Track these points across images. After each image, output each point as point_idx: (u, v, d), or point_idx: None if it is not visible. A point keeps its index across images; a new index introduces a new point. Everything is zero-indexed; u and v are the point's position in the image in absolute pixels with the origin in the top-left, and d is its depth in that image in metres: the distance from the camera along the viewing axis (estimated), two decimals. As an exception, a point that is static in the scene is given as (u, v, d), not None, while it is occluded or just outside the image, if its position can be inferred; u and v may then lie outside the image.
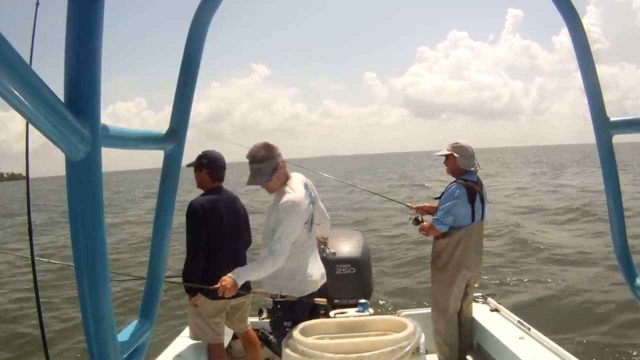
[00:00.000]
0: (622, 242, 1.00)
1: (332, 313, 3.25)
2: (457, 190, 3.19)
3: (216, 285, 2.47)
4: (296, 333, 2.17)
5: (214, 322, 3.04)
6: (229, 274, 2.46)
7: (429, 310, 3.45)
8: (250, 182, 2.65)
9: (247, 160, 2.66)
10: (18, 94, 0.46)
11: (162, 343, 3.27)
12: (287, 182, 2.68)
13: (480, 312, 3.50)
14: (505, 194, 18.78)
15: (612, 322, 5.33)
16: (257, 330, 3.36)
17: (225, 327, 3.21)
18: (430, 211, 3.45)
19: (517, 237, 10.16)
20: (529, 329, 3.04)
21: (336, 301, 3.53)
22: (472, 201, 3.20)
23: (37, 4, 1.85)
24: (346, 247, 3.69)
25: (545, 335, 2.96)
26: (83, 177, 0.59)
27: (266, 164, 2.59)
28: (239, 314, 3.23)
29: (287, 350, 2.10)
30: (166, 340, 3.36)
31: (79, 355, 5.34)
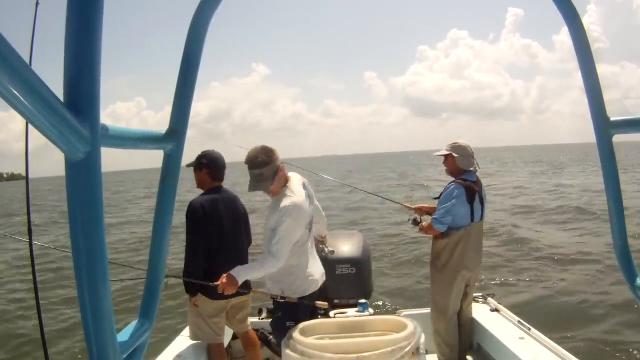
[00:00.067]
0: (622, 242, 1.00)
1: (332, 313, 3.25)
2: (456, 190, 3.19)
3: (216, 283, 2.48)
4: (296, 333, 2.17)
5: (214, 322, 3.04)
6: (230, 272, 2.46)
7: (429, 310, 3.44)
8: (252, 188, 2.60)
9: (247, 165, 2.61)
10: (18, 94, 0.46)
11: (162, 343, 3.27)
12: (287, 185, 2.67)
13: (481, 312, 3.50)
14: (504, 194, 18.79)
15: (613, 322, 5.33)
16: (257, 331, 3.36)
17: (226, 327, 3.21)
18: (429, 212, 3.45)
19: (517, 237, 10.16)
20: (530, 329, 3.04)
21: (336, 301, 3.53)
22: (471, 201, 3.20)
23: (37, 4, 1.85)
24: (346, 247, 3.69)
25: (546, 335, 2.96)
26: (83, 177, 0.59)
27: (267, 169, 2.56)
28: (241, 314, 3.23)
29: (287, 351, 2.10)
30: (166, 340, 3.36)
31: (80, 357, 5.34)
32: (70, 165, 0.58)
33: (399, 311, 3.72)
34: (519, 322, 3.19)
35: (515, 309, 3.85)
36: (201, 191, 3.14)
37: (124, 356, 0.78)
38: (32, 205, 1.94)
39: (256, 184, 2.59)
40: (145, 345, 0.87)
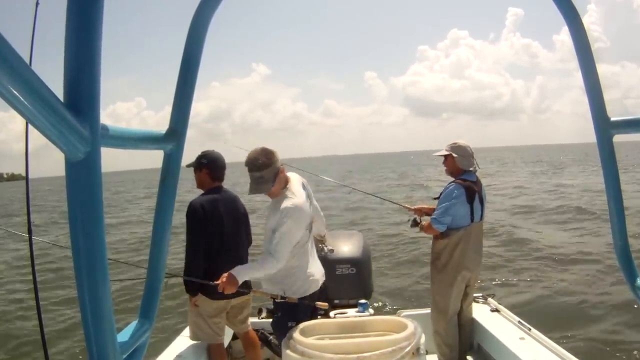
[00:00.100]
0: (622, 242, 1.00)
1: (332, 313, 3.25)
2: (456, 190, 3.19)
3: (216, 282, 2.48)
4: (296, 333, 2.17)
5: (214, 322, 3.04)
6: (230, 271, 2.47)
7: (429, 310, 3.44)
8: (253, 191, 2.58)
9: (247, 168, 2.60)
10: (17, 94, 0.46)
11: (162, 343, 3.27)
12: (287, 186, 2.67)
13: (481, 312, 3.50)
14: (504, 193, 18.79)
15: (613, 322, 5.33)
16: (257, 331, 3.36)
17: (226, 327, 3.21)
18: (429, 212, 3.45)
19: (517, 237, 10.16)
20: (530, 329, 3.04)
21: (336, 301, 3.52)
22: (470, 201, 3.20)
23: (37, 3, 1.84)
24: (346, 247, 3.69)
25: (546, 335, 2.96)
26: (83, 177, 0.59)
27: (267, 171, 2.55)
28: (242, 314, 3.23)
29: (287, 351, 2.10)
30: (166, 340, 3.36)
31: (80, 357, 5.34)
32: (70, 165, 0.58)
33: (399, 311, 3.71)
34: (519, 322, 3.19)
35: (515, 309, 3.85)
36: (201, 191, 3.14)
37: (124, 356, 0.78)
38: (32, 205, 1.94)
39: (257, 186, 2.57)
40: (145, 345, 0.87)
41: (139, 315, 0.90)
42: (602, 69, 0.94)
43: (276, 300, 2.63)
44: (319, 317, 2.74)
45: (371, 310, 3.36)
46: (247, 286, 2.73)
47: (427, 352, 2.40)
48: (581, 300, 6.09)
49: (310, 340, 2.12)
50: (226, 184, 3.24)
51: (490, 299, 3.67)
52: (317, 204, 2.98)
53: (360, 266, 3.62)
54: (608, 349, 4.71)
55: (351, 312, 3.32)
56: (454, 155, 3.29)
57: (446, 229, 3.20)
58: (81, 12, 0.57)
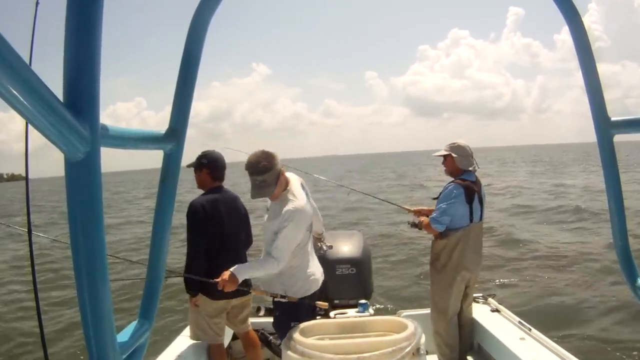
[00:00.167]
0: (623, 242, 1.00)
1: (332, 313, 3.25)
2: (455, 190, 3.19)
3: (216, 279, 2.48)
4: (296, 334, 2.17)
5: (215, 322, 3.04)
6: (230, 269, 2.47)
7: (429, 310, 3.44)
8: (256, 195, 2.56)
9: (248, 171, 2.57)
10: (17, 94, 0.46)
11: (162, 343, 3.27)
12: (288, 187, 2.67)
13: (481, 312, 3.50)
14: (504, 193, 18.79)
15: (613, 322, 5.33)
16: (257, 331, 3.36)
17: (226, 327, 3.21)
18: (428, 214, 3.44)
19: (517, 237, 10.16)
20: (530, 330, 3.04)
21: (336, 301, 3.52)
22: (470, 201, 3.20)
23: (37, 3, 1.84)
24: (346, 247, 3.69)
25: (546, 335, 2.96)
26: (82, 177, 0.58)
27: (269, 174, 2.53)
28: (242, 314, 3.22)
29: (287, 351, 2.10)
30: (166, 340, 3.36)
31: (81, 358, 5.34)
32: (69, 165, 0.57)
33: (399, 311, 3.71)
34: (519, 322, 3.19)
35: (515, 309, 3.84)
36: (201, 191, 3.14)
37: (124, 356, 0.78)
38: (32, 205, 1.93)
39: (259, 190, 2.55)
40: (145, 345, 0.87)
41: (138, 315, 0.90)
42: (603, 68, 0.94)
43: (276, 300, 2.63)
44: (318, 317, 2.74)
45: (371, 311, 3.36)
46: (247, 285, 2.73)
47: (427, 353, 2.40)
48: (581, 300, 6.09)
49: (310, 341, 2.12)
50: (226, 184, 3.24)
51: (490, 299, 3.67)
52: (314, 203, 2.99)
53: (360, 266, 3.61)
54: (608, 349, 4.71)
55: (351, 312, 3.32)
56: (453, 155, 3.29)
57: (445, 230, 3.20)
58: (81, 12, 0.57)
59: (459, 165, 3.29)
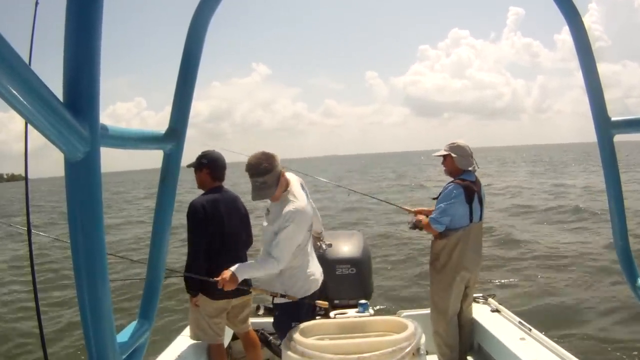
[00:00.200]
0: (623, 242, 1.00)
1: (332, 314, 3.25)
2: (454, 190, 3.19)
3: (216, 278, 2.49)
4: (296, 334, 2.17)
5: (215, 322, 3.04)
6: (230, 268, 2.47)
7: (429, 310, 3.44)
8: (257, 197, 2.56)
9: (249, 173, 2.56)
10: (17, 94, 0.46)
11: (162, 343, 3.27)
12: (288, 189, 2.67)
13: (481, 312, 3.50)
14: (504, 193, 18.79)
15: (613, 322, 5.33)
16: (257, 331, 3.36)
17: (226, 327, 3.21)
18: (428, 214, 3.45)
19: (517, 237, 10.15)
20: (530, 330, 3.04)
21: (336, 302, 3.52)
22: (469, 201, 3.19)
23: (37, 3, 1.84)
24: (346, 247, 3.69)
25: (546, 335, 2.96)
26: (82, 177, 0.58)
27: (270, 176, 2.53)
28: (243, 314, 3.22)
29: (287, 351, 2.10)
30: (166, 340, 3.36)
31: (82, 358, 5.34)
32: (69, 165, 0.57)
33: (399, 312, 3.71)
34: (519, 322, 3.19)
35: (515, 309, 3.84)
36: (201, 191, 3.14)
37: (124, 356, 0.78)
38: (31, 205, 1.93)
39: (260, 192, 2.55)
40: (145, 345, 0.87)
41: (138, 315, 0.90)
42: (603, 68, 0.94)
43: (276, 300, 2.63)
44: (318, 317, 2.74)
45: (371, 311, 3.36)
46: (247, 284, 2.73)
47: (427, 353, 2.40)
48: (581, 300, 6.09)
49: (310, 341, 2.12)
50: (226, 184, 3.25)
51: (490, 299, 3.67)
52: (312, 202, 2.99)
53: (360, 266, 3.61)
54: (609, 349, 4.71)
55: (351, 312, 3.32)
56: (453, 155, 3.29)
57: (445, 230, 3.19)
58: (81, 12, 0.57)
59: (458, 165, 3.29)
